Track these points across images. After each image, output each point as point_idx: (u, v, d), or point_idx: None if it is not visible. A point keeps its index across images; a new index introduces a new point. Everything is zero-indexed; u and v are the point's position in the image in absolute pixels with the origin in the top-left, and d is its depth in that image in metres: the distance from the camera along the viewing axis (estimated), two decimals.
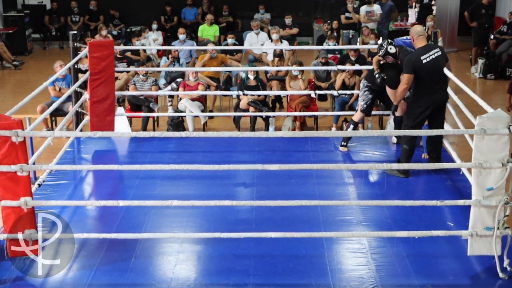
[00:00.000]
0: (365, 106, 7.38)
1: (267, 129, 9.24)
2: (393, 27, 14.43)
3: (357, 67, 9.29)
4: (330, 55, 10.55)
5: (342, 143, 7.50)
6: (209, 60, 10.57)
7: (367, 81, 7.38)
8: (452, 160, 6.80)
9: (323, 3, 16.56)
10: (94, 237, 5.09)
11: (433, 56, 6.38)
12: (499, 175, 4.66)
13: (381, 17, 13.62)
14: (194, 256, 5.15)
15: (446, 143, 7.17)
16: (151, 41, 12.78)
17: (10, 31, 15.14)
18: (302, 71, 9.37)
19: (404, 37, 7.79)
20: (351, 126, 7.51)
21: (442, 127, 6.75)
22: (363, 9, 13.62)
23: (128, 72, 9.94)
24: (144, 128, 9.17)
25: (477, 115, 4.76)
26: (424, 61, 6.35)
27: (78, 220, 5.64)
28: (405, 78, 6.46)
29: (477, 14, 13.47)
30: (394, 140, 7.61)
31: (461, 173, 6.47)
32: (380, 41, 7.61)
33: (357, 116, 7.49)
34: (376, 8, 13.67)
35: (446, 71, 6.58)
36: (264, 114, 9.11)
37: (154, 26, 13.40)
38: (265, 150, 7.47)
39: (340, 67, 9.34)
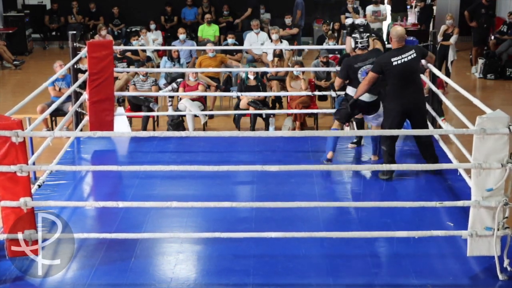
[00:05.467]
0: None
1: (267, 129, 9.24)
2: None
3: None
4: (330, 55, 10.55)
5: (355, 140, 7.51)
6: (208, 60, 10.57)
7: None
8: (451, 161, 6.80)
9: (323, 3, 16.57)
10: (94, 237, 5.09)
11: (405, 59, 6.26)
12: (499, 175, 4.65)
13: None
14: (194, 256, 5.16)
15: (442, 144, 7.17)
16: (150, 41, 12.79)
17: (10, 31, 15.15)
18: (302, 71, 9.37)
19: (409, 38, 7.80)
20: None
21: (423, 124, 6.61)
22: (370, 8, 13.63)
23: (128, 72, 9.94)
24: (144, 128, 9.17)
25: (477, 115, 4.76)
26: (395, 63, 6.24)
27: (78, 220, 5.63)
28: (368, 76, 6.37)
29: (477, 13, 13.47)
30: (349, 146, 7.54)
31: (458, 174, 6.46)
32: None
33: None
34: (383, 8, 13.71)
35: (430, 66, 6.53)
36: (263, 112, 9.10)
37: (152, 26, 13.40)
38: (265, 150, 7.47)
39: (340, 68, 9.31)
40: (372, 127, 7.23)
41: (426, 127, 6.78)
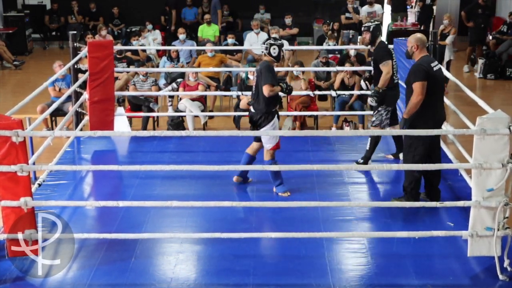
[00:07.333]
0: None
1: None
2: (393, 27, 14.43)
3: (356, 67, 9.29)
4: (330, 55, 10.55)
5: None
6: (207, 59, 10.56)
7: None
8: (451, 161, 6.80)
9: (323, 3, 16.57)
10: (94, 237, 5.09)
11: (438, 66, 5.71)
12: (499, 176, 4.65)
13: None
14: (194, 256, 5.16)
15: (442, 144, 7.16)
16: (150, 41, 12.78)
17: (10, 31, 15.14)
18: (302, 71, 9.37)
19: (404, 38, 7.72)
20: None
21: (439, 161, 5.98)
22: (364, 9, 13.64)
23: (128, 72, 9.94)
24: (144, 128, 9.17)
25: (476, 115, 4.76)
26: (435, 68, 5.61)
27: (78, 220, 5.64)
28: (418, 87, 5.50)
29: (474, 14, 13.51)
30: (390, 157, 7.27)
31: (459, 174, 6.46)
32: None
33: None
34: (378, 8, 13.71)
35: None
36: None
37: (149, 26, 13.39)
38: None
39: (340, 68, 9.34)
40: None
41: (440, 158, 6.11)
